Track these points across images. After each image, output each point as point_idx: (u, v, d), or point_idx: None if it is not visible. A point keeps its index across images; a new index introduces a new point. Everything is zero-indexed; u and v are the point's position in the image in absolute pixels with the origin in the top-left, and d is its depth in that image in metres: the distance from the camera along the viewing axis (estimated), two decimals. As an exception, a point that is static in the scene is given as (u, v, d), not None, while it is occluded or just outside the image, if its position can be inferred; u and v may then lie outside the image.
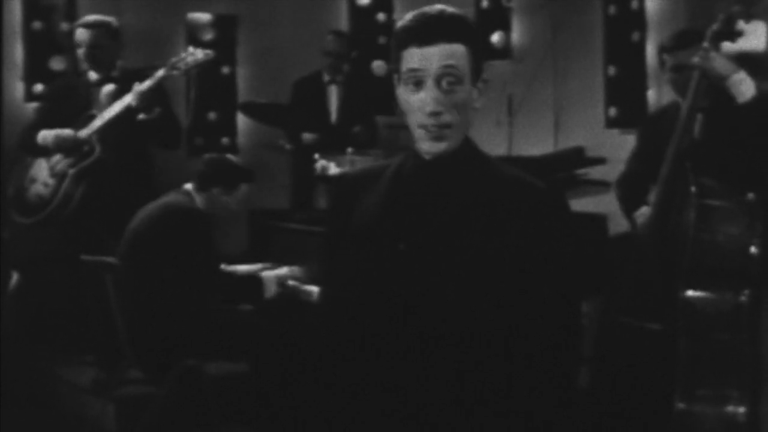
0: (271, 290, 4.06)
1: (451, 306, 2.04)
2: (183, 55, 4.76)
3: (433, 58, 2.04)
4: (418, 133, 2.08)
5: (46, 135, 4.81)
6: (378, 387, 2.09)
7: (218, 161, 4.25)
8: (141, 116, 4.66)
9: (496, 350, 2.04)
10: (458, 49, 2.05)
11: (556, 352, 2.05)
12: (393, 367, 2.07)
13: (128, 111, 4.67)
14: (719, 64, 3.57)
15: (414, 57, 2.05)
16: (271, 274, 4.11)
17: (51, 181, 4.79)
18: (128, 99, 4.66)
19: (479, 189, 2.09)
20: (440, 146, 2.07)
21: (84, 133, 4.77)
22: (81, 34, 4.90)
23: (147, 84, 4.65)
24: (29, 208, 4.83)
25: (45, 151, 4.83)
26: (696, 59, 3.61)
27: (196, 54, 4.73)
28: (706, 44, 3.60)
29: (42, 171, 4.83)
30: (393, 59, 2.12)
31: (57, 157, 4.82)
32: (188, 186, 4.19)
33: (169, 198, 4.16)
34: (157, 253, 3.97)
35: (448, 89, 2.05)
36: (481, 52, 2.11)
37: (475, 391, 2.04)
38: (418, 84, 2.06)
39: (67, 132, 4.77)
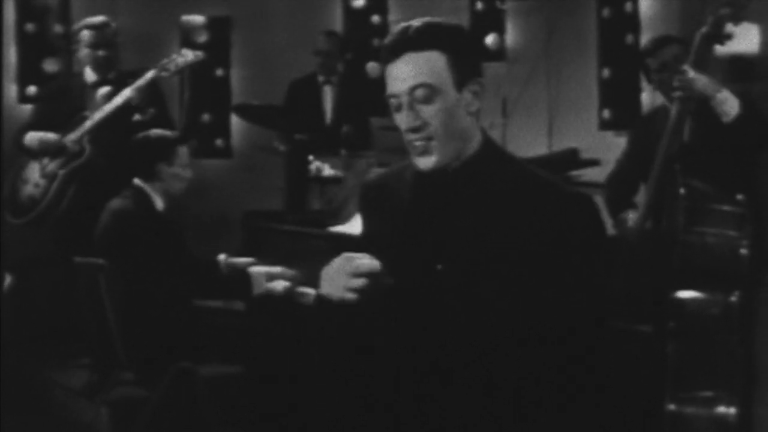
0: (260, 286, 3.91)
1: (488, 322, 2.01)
2: (173, 56, 4.74)
3: (404, 80, 2.04)
4: (410, 151, 2.08)
5: (32, 137, 4.79)
6: (398, 403, 2.07)
7: (140, 143, 4.08)
8: (136, 117, 4.65)
9: (529, 361, 2.02)
10: (431, 56, 2.04)
11: (585, 352, 2.04)
12: (423, 379, 2.05)
13: (124, 109, 4.65)
14: (701, 85, 3.57)
15: (389, 80, 2.07)
16: (261, 269, 3.96)
17: (42, 182, 4.77)
18: (127, 93, 4.63)
19: (506, 198, 2.05)
20: (429, 161, 2.06)
21: (73, 135, 4.75)
22: (87, 35, 4.87)
23: (140, 83, 4.64)
24: (20, 208, 4.81)
25: (33, 153, 4.82)
26: (676, 83, 3.61)
27: (186, 55, 4.72)
28: (684, 67, 3.60)
29: (34, 172, 4.82)
30: None
31: (48, 158, 4.81)
32: (136, 182, 4.07)
33: (113, 202, 4.07)
34: (116, 257, 3.93)
35: (423, 103, 2.04)
36: (468, 55, 2.09)
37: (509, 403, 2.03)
38: (398, 108, 2.07)
39: (50, 136, 4.74)
